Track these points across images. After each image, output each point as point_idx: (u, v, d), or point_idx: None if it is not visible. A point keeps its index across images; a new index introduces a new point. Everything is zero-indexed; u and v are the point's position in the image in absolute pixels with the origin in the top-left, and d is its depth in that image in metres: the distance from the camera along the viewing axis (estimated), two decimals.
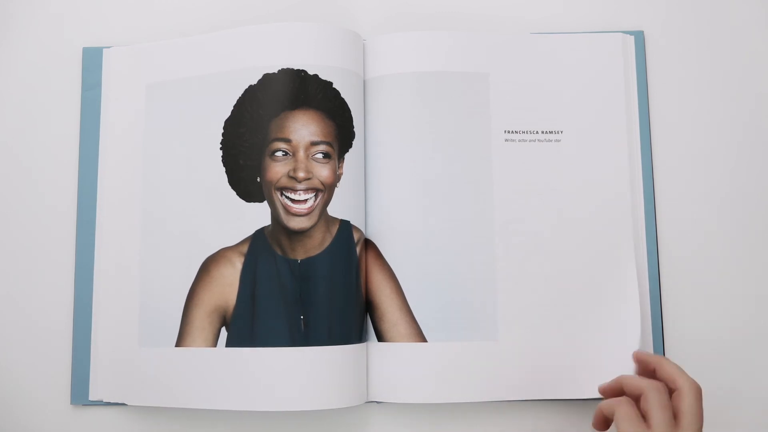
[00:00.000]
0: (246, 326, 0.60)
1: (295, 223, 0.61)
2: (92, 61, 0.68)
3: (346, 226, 0.62)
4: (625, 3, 0.68)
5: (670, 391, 0.54)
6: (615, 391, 0.57)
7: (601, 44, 0.66)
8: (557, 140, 0.64)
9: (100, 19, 0.69)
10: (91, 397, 0.63)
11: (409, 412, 0.63)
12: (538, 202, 0.63)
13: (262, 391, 0.59)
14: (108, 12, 0.69)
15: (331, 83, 0.62)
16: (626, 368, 0.60)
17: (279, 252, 0.61)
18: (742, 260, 0.64)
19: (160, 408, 0.63)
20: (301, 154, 0.61)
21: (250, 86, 0.63)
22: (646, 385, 0.54)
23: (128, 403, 0.62)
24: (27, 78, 0.68)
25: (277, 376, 0.59)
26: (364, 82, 0.64)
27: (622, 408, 0.53)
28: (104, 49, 0.67)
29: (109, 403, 0.63)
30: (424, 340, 0.61)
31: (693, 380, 0.53)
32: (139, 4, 0.69)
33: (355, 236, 0.62)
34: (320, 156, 0.61)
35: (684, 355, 0.63)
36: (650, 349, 0.62)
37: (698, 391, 0.53)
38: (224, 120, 0.63)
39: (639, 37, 0.67)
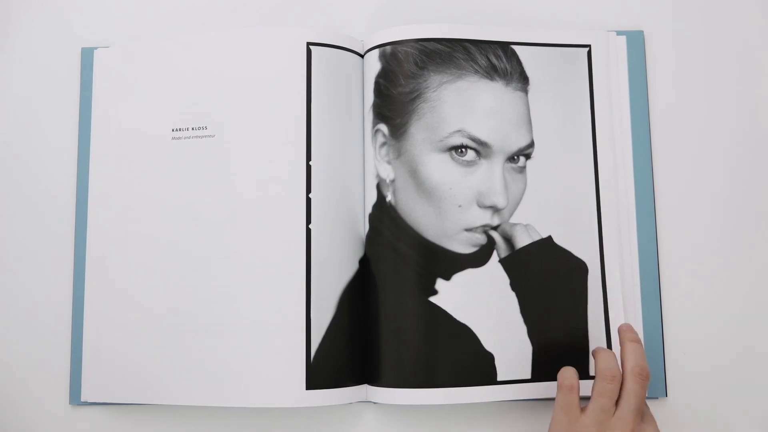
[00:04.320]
0: None
1: None
2: (89, 61, 0.67)
3: None
4: (625, 3, 0.68)
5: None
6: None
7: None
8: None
9: (100, 20, 0.69)
10: (89, 398, 0.62)
11: (408, 413, 0.63)
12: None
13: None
14: (108, 13, 0.69)
15: None
16: None
17: None
18: (742, 260, 0.64)
19: (160, 406, 0.63)
20: None
21: None
22: (596, 370, 0.55)
23: (128, 403, 0.62)
24: (28, 78, 0.68)
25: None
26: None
27: (559, 395, 0.55)
28: (94, 50, 0.67)
29: (107, 404, 0.62)
30: None
31: (637, 364, 0.55)
32: (140, 5, 0.69)
33: None
34: None
35: (683, 355, 0.62)
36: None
37: (639, 375, 0.54)
38: None
39: (639, 37, 0.66)
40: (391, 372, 0.59)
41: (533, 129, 0.63)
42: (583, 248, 0.62)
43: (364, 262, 0.62)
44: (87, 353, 0.63)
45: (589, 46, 0.65)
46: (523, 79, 0.63)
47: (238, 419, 0.63)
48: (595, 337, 0.61)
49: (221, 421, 0.63)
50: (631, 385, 0.54)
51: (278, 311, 0.60)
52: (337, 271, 0.61)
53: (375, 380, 0.60)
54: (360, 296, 0.61)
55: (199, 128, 0.63)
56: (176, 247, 0.62)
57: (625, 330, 0.58)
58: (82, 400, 0.62)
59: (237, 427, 0.63)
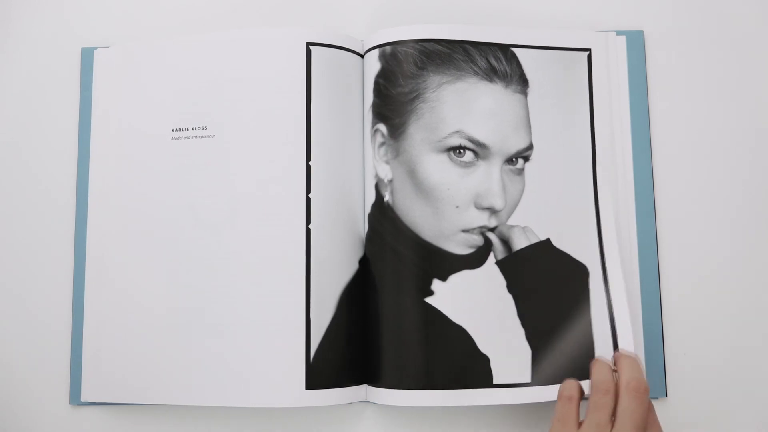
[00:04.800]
0: None
1: None
2: (89, 61, 0.67)
3: None
4: (625, 3, 0.68)
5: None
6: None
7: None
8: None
9: (100, 20, 0.69)
10: (89, 398, 0.62)
11: (408, 413, 0.63)
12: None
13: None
14: (108, 13, 0.69)
15: None
16: None
17: None
18: (742, 260, 0.64)
19: (160, 406, 0.63)
20: None
21: None
22: (592, 382, 0.55)
23: (128, 403, 0.62)
24: (28, 78, 0.68)
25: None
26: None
27: (558, 405, 0.55)
28: (94, 50, 0.67)
29: (107, 404, 0.63)
30: None
31: (633, 379, 0.53)
32: (140, 5, 0.69)
33: None
34: None
35: (683, 354, 0.62)
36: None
37: (635, 390, 0.52)
38: None
39: (639, 37, 0.66)
40: (390, 372, 0.59)
41: (532, 131, 0.63)
42: (583, 251, 0.62)
43: (363, 262, 0.62)
44: (87, 353, 0.63)
45: (589, 50, 0.65)
46: (522, 82, 0.63)
47: (238, 419, 0.63)
48: (601, 341, 0.60)
49: (221, 421, 0.63)
50: (626, 403, 0.52)
51: (278, 311, 0.60)
52: (336, 271, 0.61)
53: (374, 380, 0.60)
54: (360, 296, 0.61)
55: (199, 128, 0.63)
56: (176, 247, 0.62)
57: (621, 351, 0.58)
58: (82, 400, 0.62)
59: (237, 427, 0.63)
